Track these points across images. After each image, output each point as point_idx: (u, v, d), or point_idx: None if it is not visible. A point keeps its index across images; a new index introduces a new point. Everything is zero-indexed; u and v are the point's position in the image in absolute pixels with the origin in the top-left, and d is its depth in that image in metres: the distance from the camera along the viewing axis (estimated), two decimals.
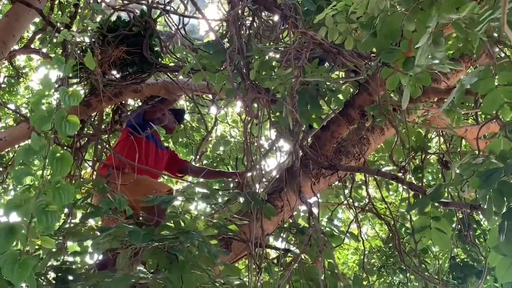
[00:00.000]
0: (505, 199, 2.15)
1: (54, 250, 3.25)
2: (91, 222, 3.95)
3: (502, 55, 4.32)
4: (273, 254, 4.33)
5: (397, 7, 2.85)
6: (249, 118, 3.74)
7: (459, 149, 5.58)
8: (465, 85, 2.33)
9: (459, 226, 5.20)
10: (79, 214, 3.81)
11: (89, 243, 3.35)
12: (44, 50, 5.86)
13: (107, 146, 4.61)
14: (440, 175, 5.69)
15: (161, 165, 4.94)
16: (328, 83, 3.71)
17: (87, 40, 4.37)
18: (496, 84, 2.26)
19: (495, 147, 2.59)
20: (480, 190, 2.29)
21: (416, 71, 2.73)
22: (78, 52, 3.99)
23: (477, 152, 3.45)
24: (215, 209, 3.74)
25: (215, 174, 5.25)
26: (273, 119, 3.73)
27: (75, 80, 4.54)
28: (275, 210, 3.71)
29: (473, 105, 4.62)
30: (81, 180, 4.55)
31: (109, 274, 3.03)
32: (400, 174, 3.43)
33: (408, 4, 2.77)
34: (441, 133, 5.50)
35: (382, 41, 2.80)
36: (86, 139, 4.94)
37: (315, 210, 3.92)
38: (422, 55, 2.34)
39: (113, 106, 5.01)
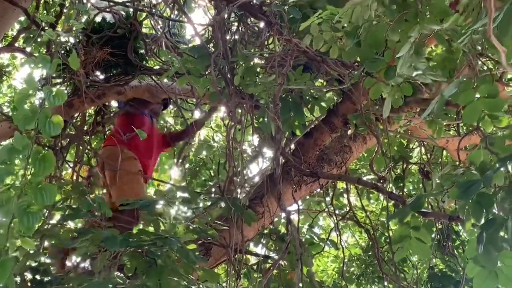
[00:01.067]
0: (484, 211, 2.17)
1: (31, 251, 3.23)
2: (70, 224, 3.94)
3: (484, 68, 4.37)
4: (253, 260, 4.34)
5: (382, 17, 2.88)
6: (232, 123, 3.75)
7: (440, 160, 5.62)
8: (445, 96, 2.35)
9: (438, 236, 5.24)
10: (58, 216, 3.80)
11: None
12: (28, 49, 5.81)
13: (88, 147, 4.58)
14: (420, 185, 5.73)
15: (155, 140, 4.98)
16: (311, 91, 3.72)
17: (71, 40, 4.35)
18: (476, 96, 2.28)
19: (476, 158, 2.62)
20: (459, 201, 2.32)
21: (398, 81, 2.75)
22: (62, 52, 3.97)
23: (457, 163, 3.49)
24: (195, 214, 3.74)
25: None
26: (256, 125, 3.73)
27: (58, 80, 4.51)
28: (256, 216, 3.71)
29: (455, 116, 4.66)
30: (62, 181, 4.52)
31: (87, 278, 3.01)
32: (380, 184, 3.45)
33: (393, 14, 2.79)
34: (422, 143, 5.54)
35: (366, 51, 2.82)
36: (68, 140, 4.90)
37: (295, 217, 3.94)
38: (404, 65, 2.36)
39: (96, 108, 4.98)
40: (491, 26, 1.46)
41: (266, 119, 3.35)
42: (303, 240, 4.21)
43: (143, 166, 4.71)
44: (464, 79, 2.40)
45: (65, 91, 4.45)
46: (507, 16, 1.73)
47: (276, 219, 4.31)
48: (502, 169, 2.29)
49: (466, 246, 5.52)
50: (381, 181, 3.44)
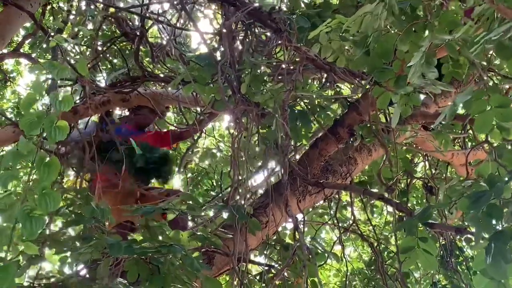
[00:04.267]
0: (494, 222, 2.17)
1: (33, 256, 3.22)
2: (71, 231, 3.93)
3: (491, 83, 4.38)
4: (255, 271, 4.32)
5: (391, 27, 2.89)
6: (238, 131, 3.74)
7: (444, 175, 5.61)
8: (458, 103, 2.35)
9: (441, 252, 5.22)
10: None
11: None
12: (34, 55, 5.83)
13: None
14: (424, 201, 5.72)
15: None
16: (318, 100, 3.73)
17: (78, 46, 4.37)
18: (488, 106, 2.28)
19: (484, 171, 2.62)
20: (469, 212, 2.31)
21: (408, 90, 2.75)
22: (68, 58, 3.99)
23: (462, 178, 3.50)
24: (199, 222, 3.74)
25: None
26: (262, 134, 3.73)
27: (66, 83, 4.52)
28: (260, 225, 3.70)
29: (461, 131, 4.67)
30: (64, 187, 4.51)
31: (88, 285, 3.01)
32: (387, 194, 3.45)
33: (402, 25, 2.81)
34: (427, 158, 5.54)
35: (374, 60, 2.83)
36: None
37: (300, 227, 3.92)
38: (414, 74, 2.36)
39: (100, 114, 4.98)
40: None
41: (272, 127, 3.34)
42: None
43: None
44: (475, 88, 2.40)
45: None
46: None
47: (280, 229, 4.30)
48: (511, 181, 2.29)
49: (470, 263, 5.51)
50: (389, 191, 3.43)
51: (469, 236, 3.41)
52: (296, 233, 3.19)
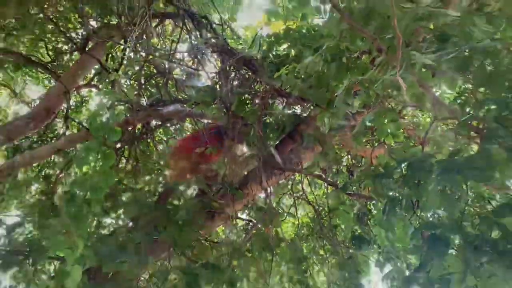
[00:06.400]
0: (386, 192, 2.20)
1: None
2: None
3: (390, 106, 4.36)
4: (241, 224, 4.31)
5: (325, 70, 2.91)
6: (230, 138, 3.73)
7: (360, 164, 5.63)
8: (366, 121, 2.38)
9: (359, 213, 5.25)
10: None
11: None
12: (100, 86, 5.79)
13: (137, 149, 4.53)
14: (348, 180, 5.72)
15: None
16: (280, 116, 3.74)
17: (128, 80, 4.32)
18: (385, 121, 2.31)
19: (382, 160, 2.66)
20: (372, 187, 2.34)
21: (334, 111, 2.78)
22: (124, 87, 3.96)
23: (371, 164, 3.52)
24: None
25: None
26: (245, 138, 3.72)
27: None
28: (242, 194, 3.70)
29: (370, 136, 4.70)
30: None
31: None
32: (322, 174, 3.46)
33: (332, 68, 2.83)
34: (349, 153, 5.56)
35: (315, 91, 2.85)
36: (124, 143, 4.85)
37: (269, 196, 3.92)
38: (339, 100, 2.39)
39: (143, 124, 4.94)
40: (398, 72, 1.49)
41: (251, 133, 3.34)
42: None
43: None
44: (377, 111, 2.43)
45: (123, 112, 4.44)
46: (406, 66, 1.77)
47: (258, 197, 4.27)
48: (398, 167, 2.33)
49: (375, 218, 5.55)
50: (323, 173, 3.44)
51: (374, 202, 3.45)
52: (267, 199, 3.20)
